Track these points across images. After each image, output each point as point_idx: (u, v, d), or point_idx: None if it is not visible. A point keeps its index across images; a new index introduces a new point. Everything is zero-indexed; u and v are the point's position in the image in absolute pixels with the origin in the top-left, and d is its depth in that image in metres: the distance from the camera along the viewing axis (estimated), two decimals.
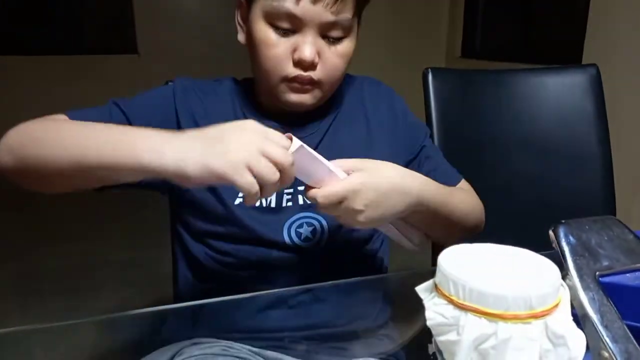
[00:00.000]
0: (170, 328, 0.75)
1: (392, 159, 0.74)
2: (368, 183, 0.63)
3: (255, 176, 0.54)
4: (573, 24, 3.10)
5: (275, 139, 0.57)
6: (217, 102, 0.81)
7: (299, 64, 0.72)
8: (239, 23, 0.79)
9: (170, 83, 0.84)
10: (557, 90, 1.05)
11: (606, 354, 0.38)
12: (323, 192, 0.62)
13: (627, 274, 0.49)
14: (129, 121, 0.75)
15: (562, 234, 0.44)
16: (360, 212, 0.63)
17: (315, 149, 0.77)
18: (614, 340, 0.38)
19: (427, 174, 0.77)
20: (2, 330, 0.61)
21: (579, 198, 1.04)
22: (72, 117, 0.72)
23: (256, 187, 0.54)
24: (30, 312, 2.07)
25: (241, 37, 0.79)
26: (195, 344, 0.69)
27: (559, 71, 1.08)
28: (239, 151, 0.54)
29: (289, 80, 0.73)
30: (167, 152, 0.55)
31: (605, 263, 0.43)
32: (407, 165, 0.84)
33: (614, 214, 1.04)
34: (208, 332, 0.73)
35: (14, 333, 0.64)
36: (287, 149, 0.57)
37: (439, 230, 0.79)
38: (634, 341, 0.38)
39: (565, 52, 3.19)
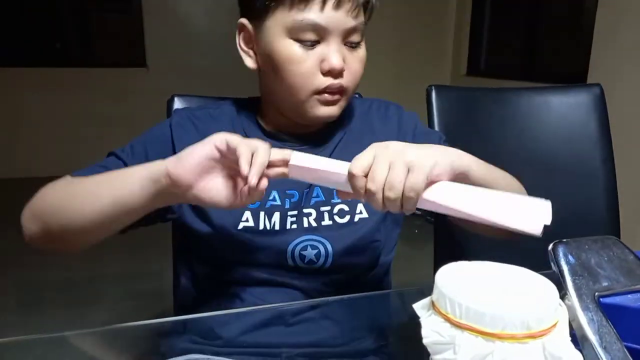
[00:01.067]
0: (170, 340, 0.75)
1: None
2: (393, 143, 0.57)
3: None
4: (578, 43, 3.12)
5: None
6: (215, 127, 0.79)
7: (328, 73, 0.73)
8: (242, 49, 0.78)
9: (168, 119, 0.84)
10: (562, 109, 1.05)
11: None
12: (350, 166, 0.56)
13: (629, 295, 0.49)
14: (125, 164, 0.77)
15: (561, 254, 0.44)
16: (404, 152, 0.54)
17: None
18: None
19: None
20: (3, 340, 0.61)
21: (583, 216, 1.03)
22: (75, 173, 0.75)
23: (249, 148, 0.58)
24: (31, 322, 2.07)
25: (249, 62, 0.78)
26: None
27: (563, 90, 1.09)
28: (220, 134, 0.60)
29: (320, 92, 0.74)
30: (165, 161, 0.61)
31: (605, 283, 0.43)
32: None
33: (619, 232, 1.03)
34: (206, 345, 0.72)
35: (14, 343, 0.64)
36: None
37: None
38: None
39: (571, 71, 3.21)
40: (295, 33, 0.71)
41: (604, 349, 0.39)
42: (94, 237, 0.69)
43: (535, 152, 1.06)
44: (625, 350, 0.39)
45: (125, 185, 0.63)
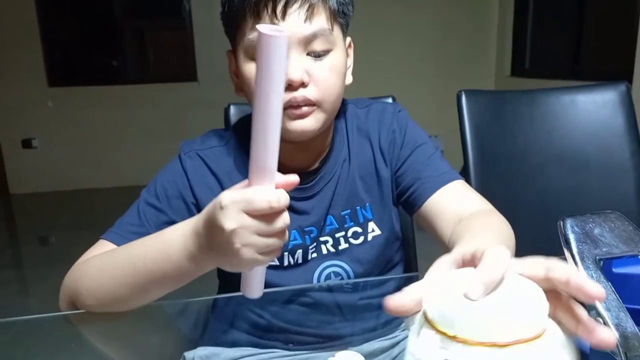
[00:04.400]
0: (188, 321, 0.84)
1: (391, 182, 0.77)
2: None
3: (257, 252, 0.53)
4: (623, 40, 3.07)
5: (255, 195, 0.52)
6: (228, 165, 0.82)
7: (289, 87, 0.70)
8: (232, 77, 0.81)
9: (177, 158, 0.84)
10: (588, 107, 1.11)
11: (601, 321, 0.46)
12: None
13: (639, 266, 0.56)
14: (158, 210, 0.79)
15: (568, 225, 0.52)
16: None
17: (332, 195, 0.83)
18: (608, 309, 0.46)
19: (414, 170, 0.81)
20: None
21: (614, 208, 1.07)
22: (110, 238, 0.76)
23: (260, 258, 0.53)
24: None
25: (235, 89, 0.81)
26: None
27: (590, 89, 1.14)
28: (229, 245, 0.53)
29: (285, 107, 0.71)
30: (199, 261, 0.59)
31: (605, 249, 0.50)
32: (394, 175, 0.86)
33: None
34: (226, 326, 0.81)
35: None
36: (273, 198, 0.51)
37: None
38: (625, 309, 0.46)
39: (617, 69, 3.16)
40: (251, 52, 0.71)
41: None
42: (133, 305, 0.70)
43: (565, 150, 1.12)
44: (619, 300, 0.46)
45: (163, 270, 0.62)
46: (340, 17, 0.75)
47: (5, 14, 4.25)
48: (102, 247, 0.76)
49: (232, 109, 1.16)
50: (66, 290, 0.73)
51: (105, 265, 0.69)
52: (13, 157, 4.53)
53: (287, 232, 0.55)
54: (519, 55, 4.33)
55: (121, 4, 4.62)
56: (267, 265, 0.58)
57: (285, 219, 0.53)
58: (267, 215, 0.52)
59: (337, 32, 0.74)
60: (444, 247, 0.83)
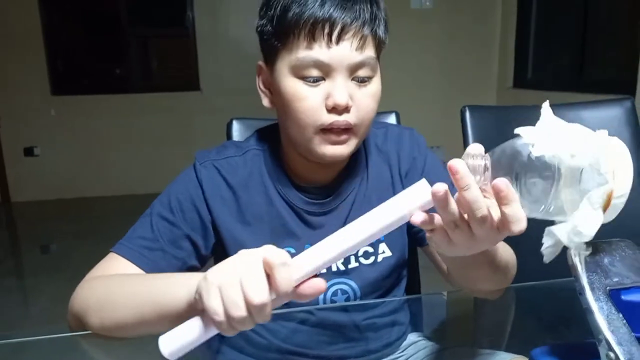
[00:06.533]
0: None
1: None
2: None
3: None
4: (626, 52, 3.07)
5: (278, 269, 0.48)
6: (244, 178, 0.81)
7: (333, 109, 0.71)
8: (261, 89, 0.81)
9: (191, 168, 0.83)
10: (594, 123, 1.08)
11: (612, 355, 0.44)
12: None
13: None
14: (172, 225, 0.78)
15: (577, 254, 0.51)
16: None
17: (348, 212, 0.82)
18: (619, 343, 0.45)
19: None
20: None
21: (622, 224, 1.06)
22: (122, 252, 0.75)
23: (220, 316, 0.48)
24: None
25: (266, 102, 0.80)
26: None
27: (595, 105, 1.14)
28: (220, 272, 0.51)
29: (325, 130, 0.73)
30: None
31: (616, 279, 0.49)
32: None
33: None
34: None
35: None
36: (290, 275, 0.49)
37: (481, 274, 0.71)
38: (637, 344, 0.44)
39: (619, 81, 3.15)
40: (299, 71, 0.72)
41: (612, 332, 0.45)
42: (137, 333, 0.69)
43: None
44: (631, 333, 0.45)
45: (167, 305, 0.61)
46: (382, 46, 0.77)
47: (9, 22, 4.28)
48: (114, 262, 0.75)
49: (235, 124, 1.14)
50: (75, 307, 0.72)
51: (112, 293, 0.69)
52: (15, 165, 4.53)
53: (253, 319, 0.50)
54: (521, 66, 4.34)
55: (125, 13, 4.64)
56: (201, 340, 0.52)
57: (268, 313, 0.49)
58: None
59: (377, 60, 0.76)
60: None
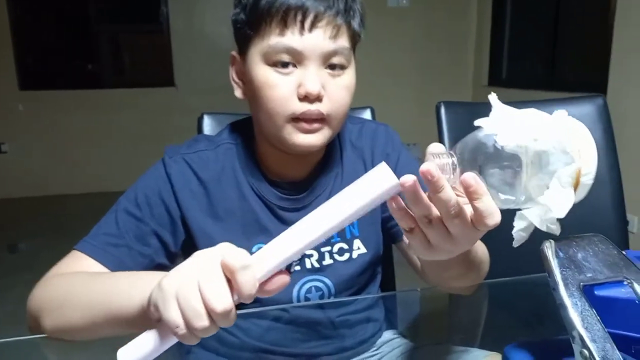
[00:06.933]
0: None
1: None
2: None
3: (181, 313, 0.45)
4: (598, 51, 3.13)
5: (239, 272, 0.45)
6: (216, 173, 0.79)
7: (305, 98, 0.70)
8: (234, 80, 0.79)
9: (160, 163, 0.80)
10: None
11: (586, 352, 0.44)
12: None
13: (621, 289, 0.54)
14: (139, 220, 0.76)
15: (551, 250, 0.50)
16: None
17: None
18: (593, 340, 0.44)
19: None
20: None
21: (591, 222, 1.08)
22: (85, 250, 0.72)
23: (182, 328, 0.44)
24: None
25: (238, 92, 0.79)
26: None
27: (568, 102, 1.14)
28: (176, 278, 0.46)
29: (296, 119, 0.71)
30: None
31: (589, 275, 0.49)
32: None
33: (627, 241, 1.08)
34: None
35: None
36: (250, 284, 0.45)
37: (455, 273, 0.68)
38: (611, 341, 0.44)
39: (592, 80, 3.22)
40: (270, 58, 0.71)
41: (586, 329, 0.45)
42: (96, 335, 0.66)
43: None
44: (605, 330, 0.45)
45: (121, 309, 0.57)
46: (357, 38, 0.76)
47: None
48: (76, 260, 0.72)
49: (206, 119, 1.11)
50: (31, 307, 0.69)
51: (66, 293, 0.66)
52: None
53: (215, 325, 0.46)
54: (496, 65, 4.41)
55: (97, 8, 4.54)
56: (161, 350, 0.48)
57: (232, 318, 0.46)
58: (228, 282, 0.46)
59: (351, 52, 0.75)
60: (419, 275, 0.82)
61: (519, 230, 0.47)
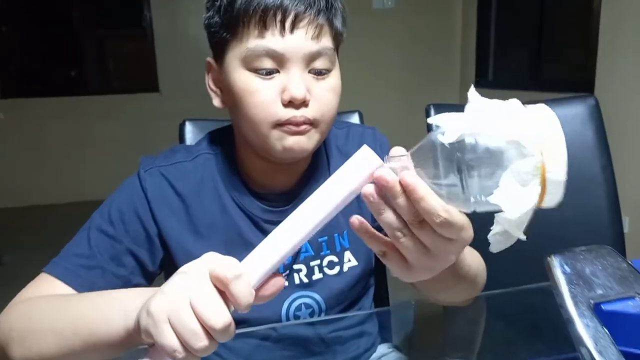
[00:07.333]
0: None
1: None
2: None
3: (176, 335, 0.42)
4: (585, 52, 3.14)
5: (229, 282, 0.42)
6: (195, 186, 0.75)
7: (290, 104, 0.66)
8: (211, 88, 0.75)
9: (135, 177, 0.76)
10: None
11: None
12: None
13: (629, 302, 0.51)
14: (113, 239, 0.71)
15: (557, 264, 0.47)
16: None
17: None
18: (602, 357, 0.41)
19: None
20: None
21: (586, 223, 1.06)
22: (55, 273, 0.68)
23: (180, 352, 0.41)
24: None
25: (217, 101, 0.75)
26: None
27: (559, 102, 1.12)
28: (164, 300, 0.43)
29: (282, 124, 0.67)
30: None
31: (600, 291, 0.46)
32: None
33: (623, 241, 1.06)
34: None
35: None
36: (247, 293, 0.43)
37: (444, 286, 0.65)
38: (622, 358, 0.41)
39: (578, 80, 3.23)
40: (250, 63, 0.66)
41: (599, 352, 0.41)
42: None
43: None
44: (619, 352, 0.41)
45: (100, 331, 0.54)
46: (340, 38, 0.73)
47: None
48: (45, 283, 0.67)
49: (188, 126, 1.07)
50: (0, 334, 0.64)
51: (37, 320, 0.61)
52: None
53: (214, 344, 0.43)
54: (482, 67, 4.42)
55: (80, 13, 4.47)
56: None
57: (232, 331, 0.43)
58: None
59: (335, 53, 0.72)
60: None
61: (495, 233, 0.43)
